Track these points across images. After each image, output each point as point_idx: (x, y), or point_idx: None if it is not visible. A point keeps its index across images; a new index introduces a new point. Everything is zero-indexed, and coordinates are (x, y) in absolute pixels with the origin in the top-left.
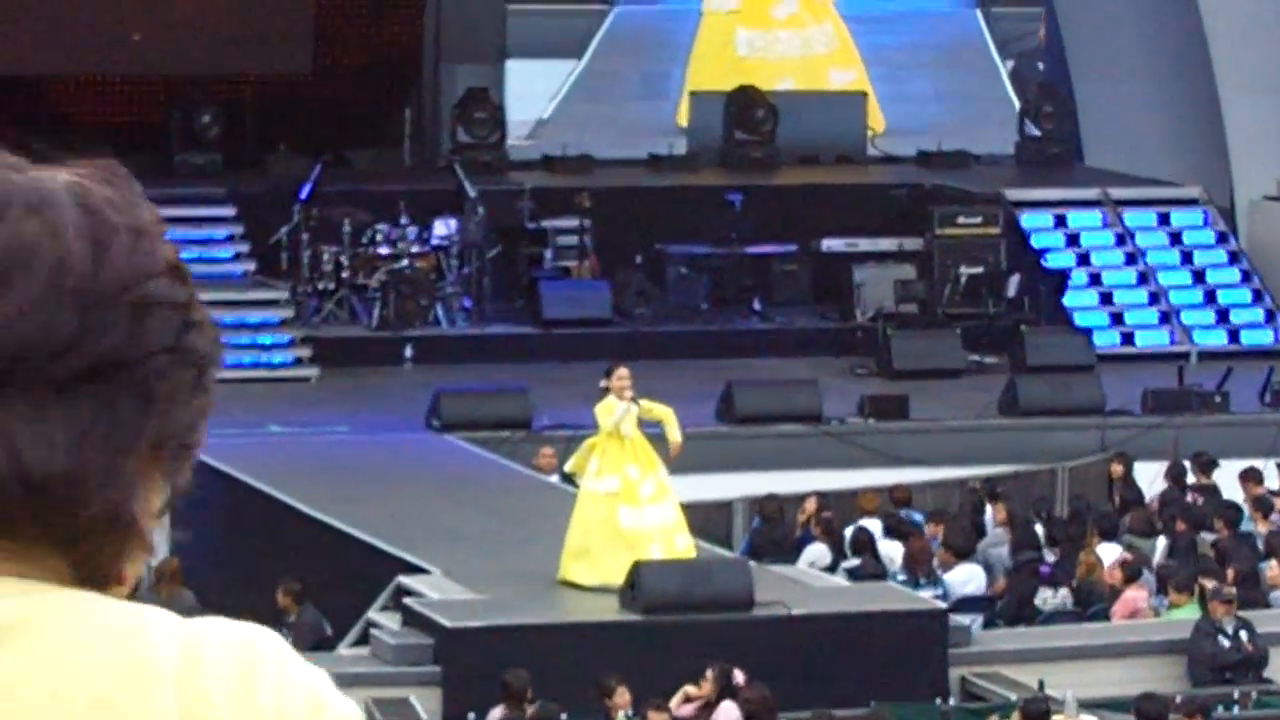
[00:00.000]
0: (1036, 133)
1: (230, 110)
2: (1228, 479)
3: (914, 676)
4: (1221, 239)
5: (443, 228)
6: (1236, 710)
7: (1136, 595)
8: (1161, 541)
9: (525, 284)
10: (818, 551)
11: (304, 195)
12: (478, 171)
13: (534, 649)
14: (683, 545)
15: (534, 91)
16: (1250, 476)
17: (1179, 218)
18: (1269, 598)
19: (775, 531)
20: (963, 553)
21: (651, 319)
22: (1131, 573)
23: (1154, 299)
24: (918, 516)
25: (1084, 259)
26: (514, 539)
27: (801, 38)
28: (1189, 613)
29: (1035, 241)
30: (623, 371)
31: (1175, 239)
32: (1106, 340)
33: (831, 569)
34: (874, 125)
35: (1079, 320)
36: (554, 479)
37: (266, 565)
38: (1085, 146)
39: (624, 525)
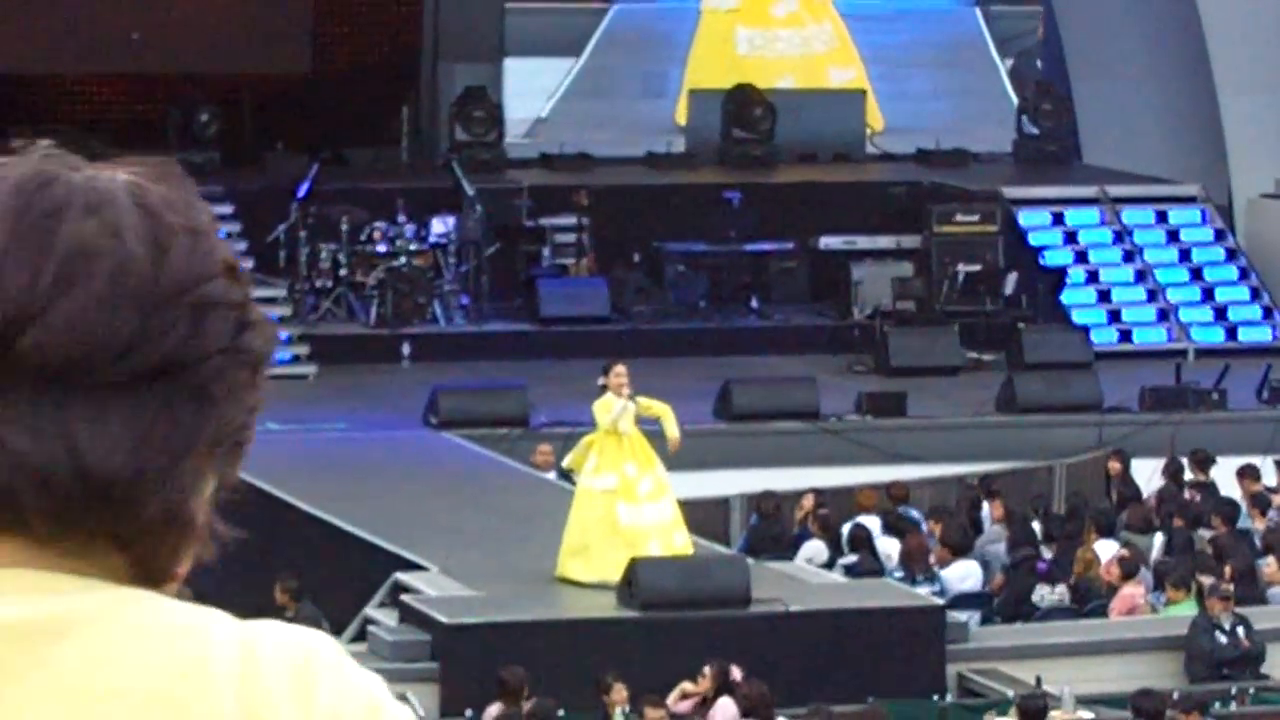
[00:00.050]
0: (1035, 131)
1: (228, 108)
2: (1225, 476)
3: (911, 673)
4: (1219, 237)
5: (441, 225)
6: (1234, 706)
7: (1134, 592)
8: (1159, 538)
9: (523, 282)
10: (815, 548)
11: (302, 193)
12: (476, 170)
13: (531, 646)
14: (680, 542)
15: (532, 90)
16: (1247, 473)
17: (1177, 215)
18: (1266, 594)
19: (773, 528)
20: (960, 549)
21: (649, 317)
22: (1129, 569)
23: (1152, 296)
24: (915, 513)
25: (1082, 256)
26: (511, 536)
27: (801, 36)
28: (1186, 609)
29: (1033, 239)
30: (620, 369)
31: (1173, 237)
32: (1104, 338)
33: (829, 565)
34: (873, 123)
35: (1077, 318)
36: (551, 476)
37: (264, 562)
38: (1083, 144)
39: (622, 522)
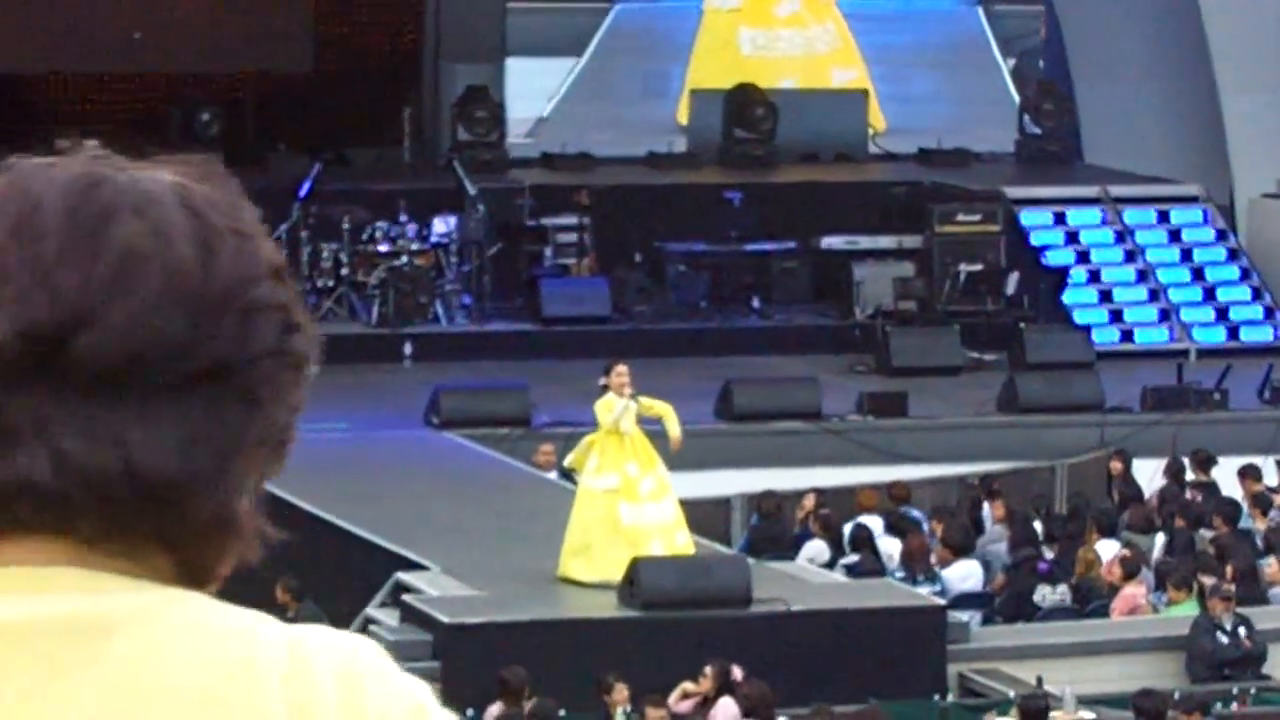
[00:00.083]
0: (1037, 130)
1: (230, 108)
2: (1226, 476)
3: (912, 673)
4: (1221, 237)
5: (442, 225)
6: (1235, 707)
7: (1135, 592)
8: (1160, 538)
9: (525, 281)
10: (816, 548)
11: (303, 193)
12: (477, 169)
13: (533, 645)
14: (682, 542)
15: (534, 89)
16: (1249, 473)
17: (1178, 215)
18: (1267, 594)
19: (774, 528)
20: (961, 549)
21: (651, 316)
22: (1130, 569)
23: (1153, 296)
24: (916, 513)
25: (1083, 256)
26: (513, 535)
27: (803, 36)
28: (1188, 609)
29: (1035, 239)
30: (622, 368)
31: (1174, 236)
32: (1105, 337)
33: (830, 565)
34: (875, 124)
35: (1078, 318)
36: (553, 476)
37: (265, 561)
38: (1085, 144)
39: (624, 522)
